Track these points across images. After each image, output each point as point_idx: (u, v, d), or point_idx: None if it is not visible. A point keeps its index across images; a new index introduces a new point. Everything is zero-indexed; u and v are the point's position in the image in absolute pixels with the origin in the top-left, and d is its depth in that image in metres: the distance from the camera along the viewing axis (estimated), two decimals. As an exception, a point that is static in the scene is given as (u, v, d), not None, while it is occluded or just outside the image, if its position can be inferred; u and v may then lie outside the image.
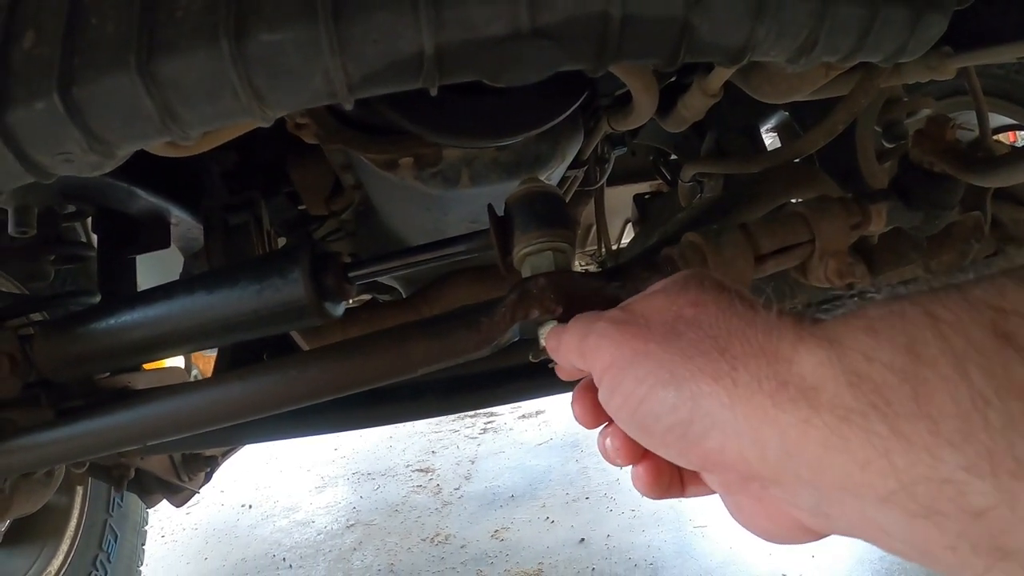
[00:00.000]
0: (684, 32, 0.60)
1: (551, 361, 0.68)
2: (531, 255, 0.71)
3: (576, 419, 0.52)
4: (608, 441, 0.49)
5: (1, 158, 0.60)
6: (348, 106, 0.58)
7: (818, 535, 0.39)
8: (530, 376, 1.16)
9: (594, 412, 0.50)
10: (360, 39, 0.53)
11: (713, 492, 0.46)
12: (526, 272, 0.71)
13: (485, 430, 3.88)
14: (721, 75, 0.93)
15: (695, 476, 0.47)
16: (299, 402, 0.77)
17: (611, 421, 0.49)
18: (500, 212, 0.75)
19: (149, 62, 0.53)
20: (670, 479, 0.48)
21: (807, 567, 2.03)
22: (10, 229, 0.69)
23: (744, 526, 0.42)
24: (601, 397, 0.45)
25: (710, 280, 0.45)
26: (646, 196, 1.85)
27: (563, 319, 0.67)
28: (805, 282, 0.94)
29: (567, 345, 0.49)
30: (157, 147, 0.73)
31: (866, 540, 0.35)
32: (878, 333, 0.34)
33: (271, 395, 0.76)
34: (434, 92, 0.60)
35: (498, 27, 0.55)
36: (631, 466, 0.49)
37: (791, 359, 0.36)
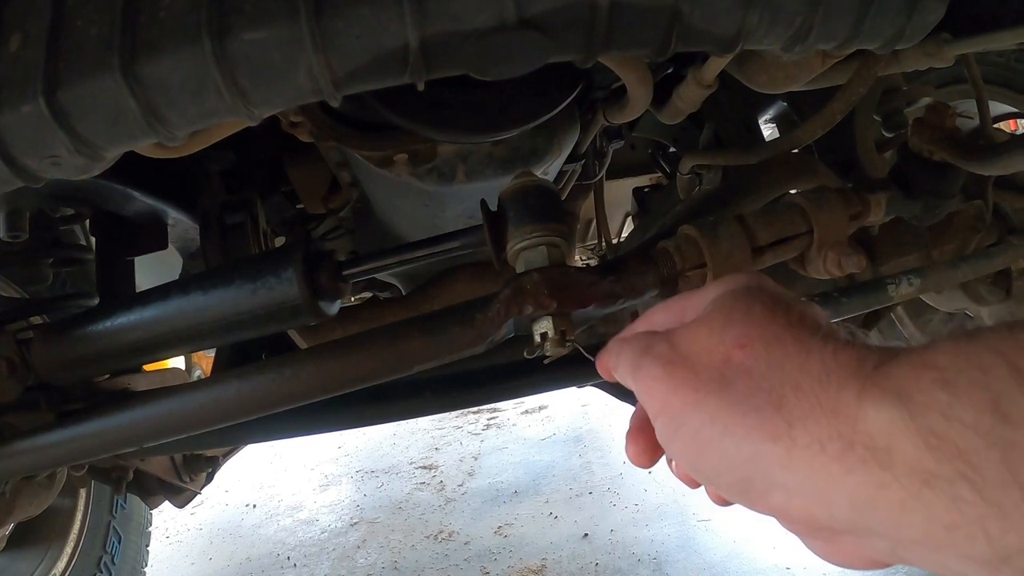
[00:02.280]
0: (674, 20, 0.59)
1: (546, 357, 0.68)
2: (525, 250, 0.70)
3: (631, 460, 0.50)
4: (675, 466, 0.47)
5: None
6: (335, 103, 0.57)
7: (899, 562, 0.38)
8: (530, 372, 1.15)
9: (649, 453, 0.48)
10: (343, 34, 0.52)
11: None
12: (520, 267, 0.70)
13: (488, 426, 3.88)
14: (716, 65, 0.91)
15: None
16: (296, 401, 0.76)
17: None
18: (494, 208, 0.75)
19: (133, 63, 0.53)
20: None
21: (811, 561, 2.02)
22: (2, 234, 0.69)
23: (822, 558, 0.41)
24: (659, 440, 0.43)
25: (759, 304, 0.42)
26: (645, 189, 1.84)
27: (557, 314, 0.67)
28: (804, 274, 0.93)
29: (623, 368, 0.47)
30: (146, 149, 0.72)
31: None
32: (955, 388, 0.31)
33: (268, 395, 0.76)
34: (421, 87, 0.59)
35: (484, 19, 0.54)
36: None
37: (855, 416, 0.33)
